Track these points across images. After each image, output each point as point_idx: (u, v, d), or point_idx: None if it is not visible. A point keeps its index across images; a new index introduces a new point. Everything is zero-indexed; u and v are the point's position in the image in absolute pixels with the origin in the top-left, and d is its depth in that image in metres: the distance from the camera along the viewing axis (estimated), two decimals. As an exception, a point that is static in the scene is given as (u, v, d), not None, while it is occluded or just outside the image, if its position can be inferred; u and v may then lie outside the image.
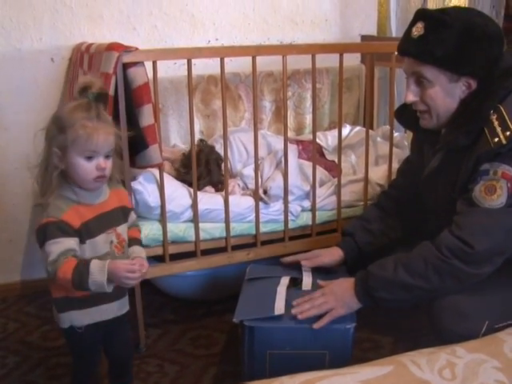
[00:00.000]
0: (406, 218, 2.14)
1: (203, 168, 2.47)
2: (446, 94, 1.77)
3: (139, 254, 1.78)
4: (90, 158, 1.59)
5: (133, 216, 1.84)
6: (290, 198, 2.44)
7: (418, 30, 1.74)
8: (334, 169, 2.67)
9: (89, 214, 1.64)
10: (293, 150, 2.54)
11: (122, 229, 1.74)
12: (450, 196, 1.85)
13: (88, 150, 1.58)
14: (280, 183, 2.40)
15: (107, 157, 1.63)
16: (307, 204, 2.50)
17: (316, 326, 1.81)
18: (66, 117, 1.59)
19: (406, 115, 2.01)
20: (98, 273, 1.56)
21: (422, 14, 1.77)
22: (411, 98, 1.82)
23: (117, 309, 1.77)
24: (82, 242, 1.62)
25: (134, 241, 1.81)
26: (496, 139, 1.67)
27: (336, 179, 2.55)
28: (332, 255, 2.11)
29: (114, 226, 1.71)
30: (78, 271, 1.55)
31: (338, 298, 1.85)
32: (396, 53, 2.40)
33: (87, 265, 1.56)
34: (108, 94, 1.69)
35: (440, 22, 1.71)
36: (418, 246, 1.79)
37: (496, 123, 1.70)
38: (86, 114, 1.58)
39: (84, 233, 1.62)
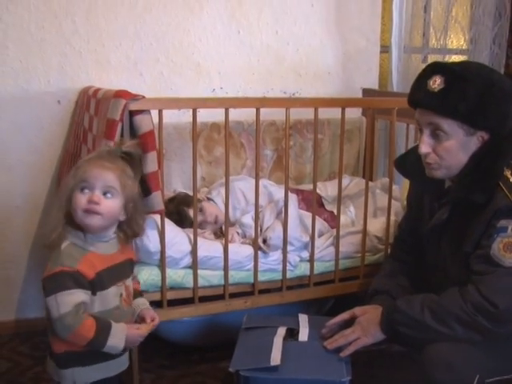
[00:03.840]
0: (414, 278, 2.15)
1: (175, 215, 2.52)
2: (460, 147, 1.79)
3: (145, 305, 1.78)
4: (83, 190, 1.57)
5: (135, 269, 1.84)
6: (289, 248, 2.45)
7: (437, 83, 1.76)
8: (333, 220, 2.69)
9: (100, 265, 1.60)
10: (293, 199, 2.57)
11: (129, 282, 1.73)
12: (454, 249, 1.86)
13: (81, 181, 1.57)
14: (280, 234, 2.42)
15: (106, 195, 1.58)
16: (305, 254, 2.51)
17: (342, 354, 1.89)
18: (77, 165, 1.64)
19: (408, 165, 2.03)
20: (119, 337, 1.56)
21: (440, 68, 1.79)
22: (425, 149, 1.82)
23: (124, 362, 1.73)
24: (92, 293, 1.58)
25: (137, 293, 1.81)
26: None
27: (335, 230, 2.57)
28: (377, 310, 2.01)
29: (123, 279, 1.68)
30: (100, 331, 1.54)
31: (365, 327, 1.91)
32: (397, 108, 2.48)
33: (109, 326, 1.56)
34: (139, 157, 1.74)
35: (462, 76, 1.74)
36: (447, 292, 1.81)
37: None
38: (93, 155, 1.65)
39: (97, 284, 1.58)
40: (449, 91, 1.74)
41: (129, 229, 1.68)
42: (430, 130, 1.81)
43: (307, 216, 2.57)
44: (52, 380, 1.68)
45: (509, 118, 1.80)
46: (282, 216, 2.44)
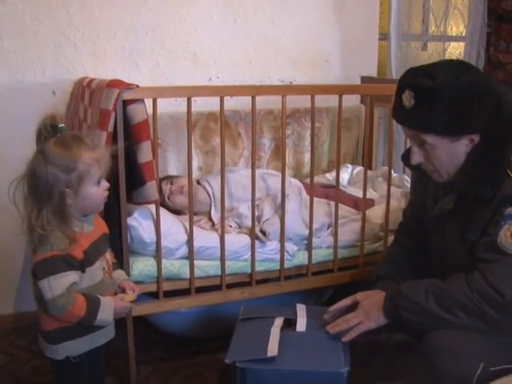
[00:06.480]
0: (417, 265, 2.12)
1: None
2: (450, 153, 1.78)
3: (123, 276, 1.88)
4: (98, 183, 1.67)
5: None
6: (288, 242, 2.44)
7: (408, 99, 1.74)
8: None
9: (86, 243, 1.67)
10: (295, 191, 2.54)
11: (108, 255, 1.80)
12: (459, 237, 1.84)
13: (99, 176, 1.66)
14: (278, 229, 2.41)
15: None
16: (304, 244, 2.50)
17: (344, 338, 1.88)
18: (68, 155, 1.60)
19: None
20: (107, 311, 1.67)
21: (408, 82, 1.77)
22: (416, 160, 1.84)
23: (111, 332, 1.81)
24: (82, 271, 1.65)
25: (113, 264, 1.87)
26: None
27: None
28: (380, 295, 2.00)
29: (103, 253, 1.76)
30: (90, 308, 1.64)
31: (367, 312, 1.89)
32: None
33: (98, 302, 1.66)
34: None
35: (428, 92, 1.71)
36: (452, 278, 1.79)
37: None
38: (84, 145, 1.64)
39: (85, 262, 1.65)
40: (419, 109, 1.73)
41: None
42: (416, 142, 1.81)
43: (316, 202, 2.55)
44: (44, 355, 1.76)
45: (499, 110, 1.76)
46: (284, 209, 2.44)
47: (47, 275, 1.58)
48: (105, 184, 1.69)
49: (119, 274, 1.87)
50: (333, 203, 2.55)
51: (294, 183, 2.76)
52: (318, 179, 3.01)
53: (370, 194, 2.89)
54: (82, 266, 1.64)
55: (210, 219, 2.62)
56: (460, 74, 1.75)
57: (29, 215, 1.62)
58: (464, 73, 1.76)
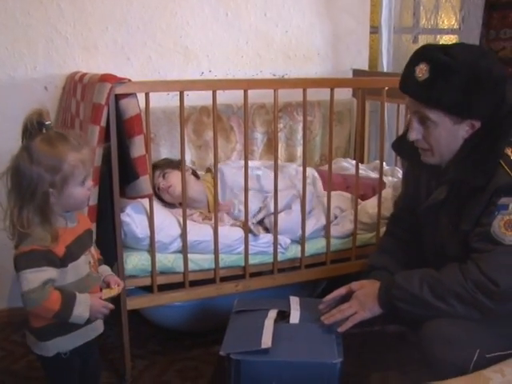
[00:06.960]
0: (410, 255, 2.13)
1: None
2: (449, 135, 1.78)
3: (108, 271, 1.86)
4: (83, 183, 1.65)
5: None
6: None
7: (423, 72, 1.73)
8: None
9: (70, 238, 1.66)
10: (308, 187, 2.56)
11: (93, 249, 1.79)
12: (452, 228, 1.85)
13: (84, 177, 1.64)
14: (280, 229, 2.44)
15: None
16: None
17: (340, 329, 1.89)
18: (54, 156, 1.58)
19: (403, 147, 2.01)
20: (83, 306, 1.62)
21: (426, 55, 1.76)
22: (414, 136, 1.83)
23: (98, 328, 1.80)
24: (64, 266, 1.63)
25: (99, 260, 1.86)
26: None
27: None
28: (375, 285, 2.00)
29: (88, 248, 1.75)
30: (66, 303, 1.60)
31: (362, 302, 1.90)
32: (386, 88, 2.47)
33: (73, 297, 1.62)
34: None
35: (446, 67, 1.71)
36: (446, 268, 1.80)
37: None
38: (69, 145, 1.61)
39: (68, 257, 1.63)
40: (433, 82, 1.72)
41: None
42: (418, 118, 1.81)
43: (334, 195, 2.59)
44: (32, 352, 1.75)
45: (503, 102, 1.77)
46: (290, 207, 2.48)
47: (24, 268, 1.57)
48: (89, 183, 1.68)
49: (104, 269, 1.86)
50: (345, 195, 2.65)
51: (309, 175, 2.76)
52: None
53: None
54: (63, 261, 1.62)
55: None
56: (479, 56, 1.76)
57: (11, 212, 1.61)
58: (483, 56, 1.77)
